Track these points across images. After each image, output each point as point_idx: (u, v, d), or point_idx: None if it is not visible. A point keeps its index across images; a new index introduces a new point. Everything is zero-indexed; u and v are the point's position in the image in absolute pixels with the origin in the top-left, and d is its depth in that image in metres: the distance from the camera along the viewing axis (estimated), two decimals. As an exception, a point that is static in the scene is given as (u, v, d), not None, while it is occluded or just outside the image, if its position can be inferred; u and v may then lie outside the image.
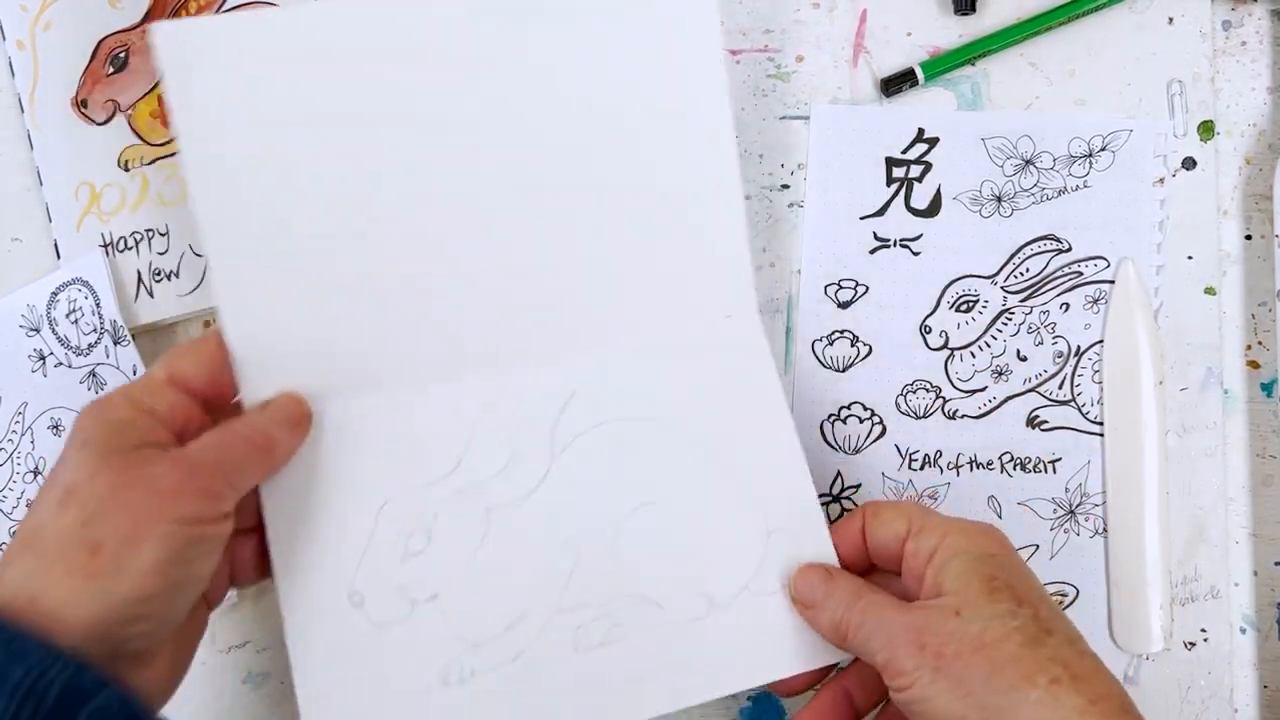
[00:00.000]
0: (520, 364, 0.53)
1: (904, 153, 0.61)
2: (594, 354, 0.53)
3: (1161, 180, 0.61)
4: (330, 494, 0.50)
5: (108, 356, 0.59)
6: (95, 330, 0.59)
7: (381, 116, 0.51)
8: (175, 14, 0.60)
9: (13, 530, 0.60)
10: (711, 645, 0.51)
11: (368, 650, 0.49)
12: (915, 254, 0.61)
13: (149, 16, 0.60)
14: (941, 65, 0.61)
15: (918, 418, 0.61)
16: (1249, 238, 0.61)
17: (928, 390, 0.61)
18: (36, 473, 0.60)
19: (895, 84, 0.61)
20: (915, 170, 0.61)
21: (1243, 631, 0.61)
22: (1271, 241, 0.61)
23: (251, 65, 0.49)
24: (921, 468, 0.61)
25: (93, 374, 0.59)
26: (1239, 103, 0.62)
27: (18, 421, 0.60)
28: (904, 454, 0.61)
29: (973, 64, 0.61)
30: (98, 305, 0.59)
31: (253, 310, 0.50)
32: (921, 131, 0.61)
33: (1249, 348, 0.61)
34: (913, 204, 0.61)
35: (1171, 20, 0.61)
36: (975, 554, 0.47)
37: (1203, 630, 0.60)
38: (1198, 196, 0.61)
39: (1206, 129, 0.61)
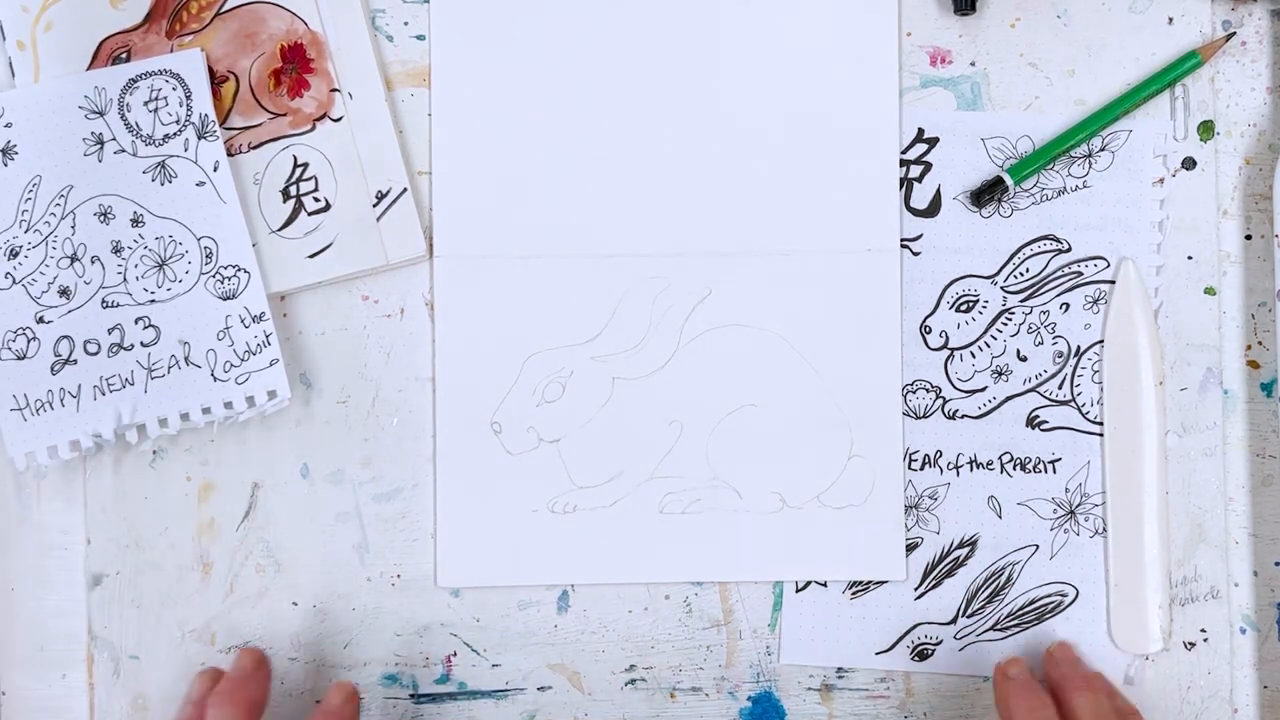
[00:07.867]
0: (672, 257, 0.60)
1: (904, 153, 0.61)
2: (738, 260, 0.60)
3: (1161, 180, 0.61)
4: (491, 337, 0.60)
5: (186, 150, 0.58)
6: (178, 121, 0.58)
7: (603, 47, 0.61)
8: (176, 15, 0.60)
9: (38, 315, 0.58)
10: (777, 538, 0.60)
11: (498, 470, 0.60)
12: (915, 254, 0.61)
13: (150, 17, 0.60)
14: (1028, 167, 0.60)
15: (918, 418, 0.61)
16: (1249, 238, 0.61)
17: (928, 390, 0.61)
18: (74, 259, 0.58)
19: (987, 194, 0.60)
20: (915, 170, 0.61)
21: (1242, 631, 0.61)
22: (1271, 241, 0.61)
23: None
24: (921, 468, 0.61)
25: (162, 165, 0.58)
26: (1239, 103, 0.62)
27: (58, 205, 0.58)
28: (904, 454, 0.61)
29: (973, 64, 0.61)
30: (188, 97, 0.58)
31: (457, 178, 0.60)
32: (921, 131, 0.61)
33: (1249, 348, 0.61)
34: (913, 204, 0.61)
35: (1171, 20, 0.61)
36: None
37: (1202, 630, 0.60)
38: (1198, 196, 0.61)
39: (1206, 129, 0.61)
